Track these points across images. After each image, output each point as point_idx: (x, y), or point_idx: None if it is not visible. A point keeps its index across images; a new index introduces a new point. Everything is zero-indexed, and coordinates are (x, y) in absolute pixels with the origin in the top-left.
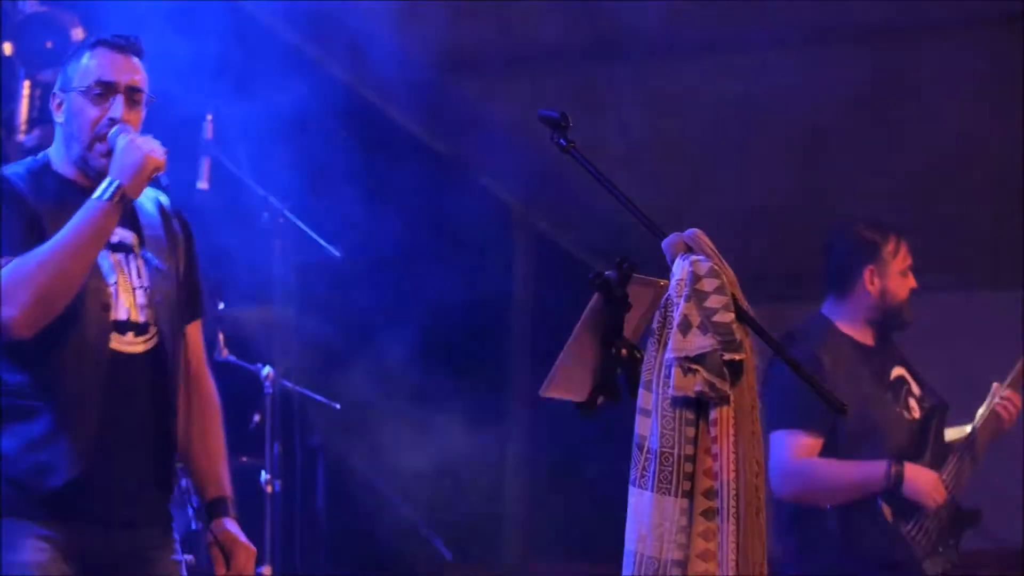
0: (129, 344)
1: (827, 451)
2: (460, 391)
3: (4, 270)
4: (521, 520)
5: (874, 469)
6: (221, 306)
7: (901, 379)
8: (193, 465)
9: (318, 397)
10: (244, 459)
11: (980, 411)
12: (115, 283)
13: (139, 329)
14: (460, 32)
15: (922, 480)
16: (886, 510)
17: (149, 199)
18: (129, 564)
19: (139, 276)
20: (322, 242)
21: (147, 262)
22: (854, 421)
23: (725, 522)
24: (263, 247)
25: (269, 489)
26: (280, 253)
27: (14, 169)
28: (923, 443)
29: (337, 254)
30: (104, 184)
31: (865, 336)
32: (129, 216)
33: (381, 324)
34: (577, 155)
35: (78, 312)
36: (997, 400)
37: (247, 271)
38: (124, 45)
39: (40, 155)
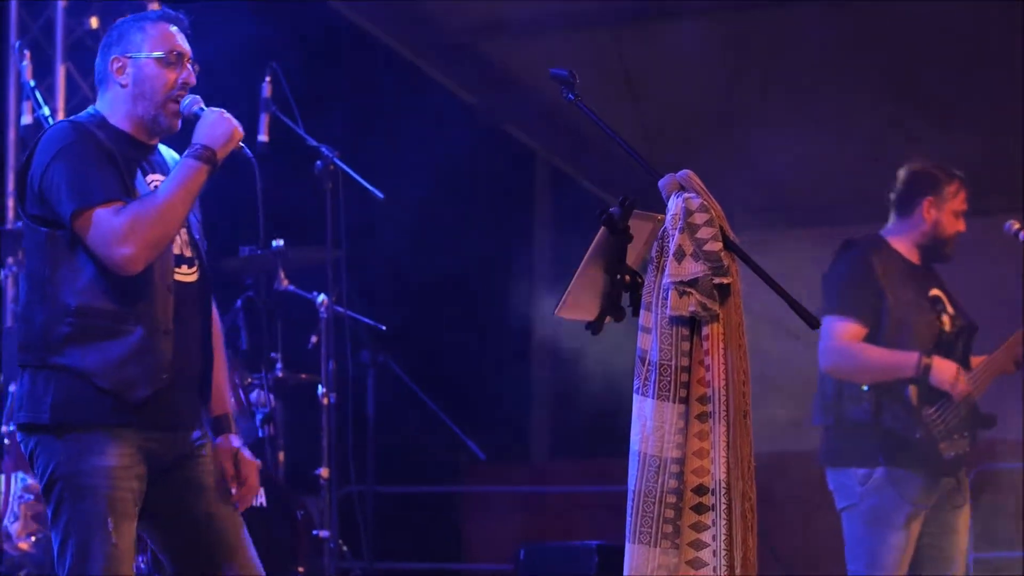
0: (184, 275)
1: (869, 341)
2: (486, 315)
3: (122, 214)
4: (546, 422)
5: (907, 356)
6: (281, 243)
7: (937, 298)
8: None
9: (366, 320)
10: (304, 376)
11: None
12: None
13: (189, 262)
14: None
15: (948, 371)
16: (913, 393)
17: (172, 157)
18: (184, 463)
19: (185, 225)
20: (368, 185)
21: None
22: (895, 319)
23: (717, 423)
24: (316, 192)
25: (325, 401)
26: (331, 196)
27: (84, 122)
28: (951, 353)
29: (380, 196)
30: (197, 147)
31: (912, 255)
32: (167, 168)
33: (418, 257)
34: (583, 107)
35: None
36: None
37: (303, 213)
38: (180, 20)
39: (91, 110)
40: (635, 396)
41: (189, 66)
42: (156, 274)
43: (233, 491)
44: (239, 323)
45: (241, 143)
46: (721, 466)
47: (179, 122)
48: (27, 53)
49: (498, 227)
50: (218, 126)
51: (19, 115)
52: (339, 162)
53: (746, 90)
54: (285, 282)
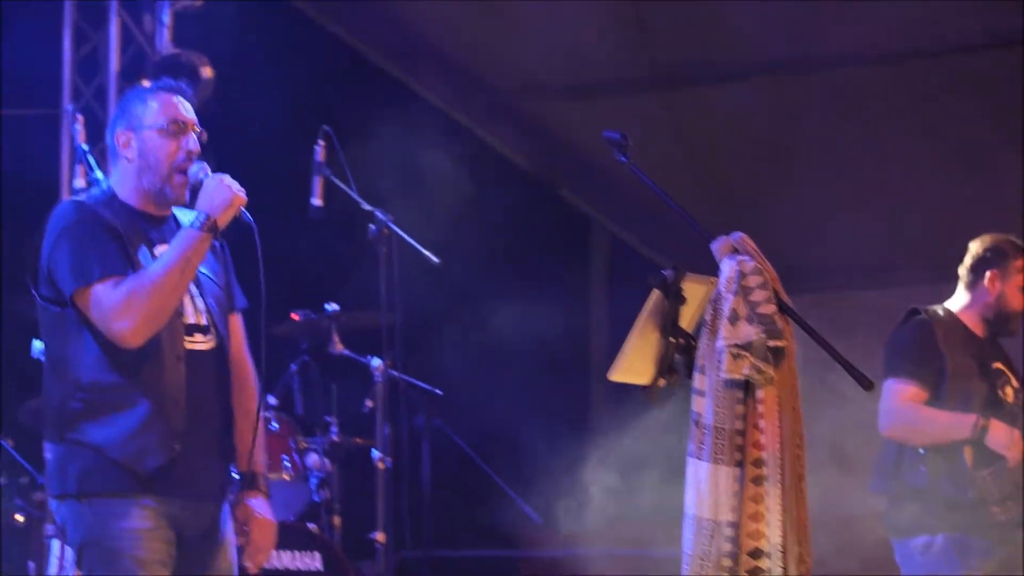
0: (198, 343)
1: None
2: (541, 379)
3: (118, 289)
4: (602, 490)
5: (964, 418)
6: (335, 307)
7: (1000, 371)
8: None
9: (422, 384)
10: (359, 440)
11: None
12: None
13: (203, 330)
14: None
15: (1004, 434)
16: (968, 456)
17: (190, 218)
18: (212, 532)
19: (196, 285)
20: (422, 250)
21: (200, 274)
22: (955, 387)
23: (772, 487)
24: (370, 255)
25: (381, 465)
26: (385, 260)
27: (90, 200)
28: (1013, 425)
29: (436, 260)
30: (196, 216)
31: (977, 327)
32: None
33: (471, 321)
34: (635, 169)
35: None
36: None
37: (357, 276)
38: (182, 90)
39: (103, 187)
40: (689, 459)
41: (193, 134)
42: (164, 345)
43: (244, 547)
44: (294, 387)
45: (242, 208)
46: (776, 530)
47: (187, 192)
48: (80, 118)
49: (553, 291)
50: (218, 193)
51: (72, 178)
52: (393, 226)
53: (803, 151)
54: (340, 346)
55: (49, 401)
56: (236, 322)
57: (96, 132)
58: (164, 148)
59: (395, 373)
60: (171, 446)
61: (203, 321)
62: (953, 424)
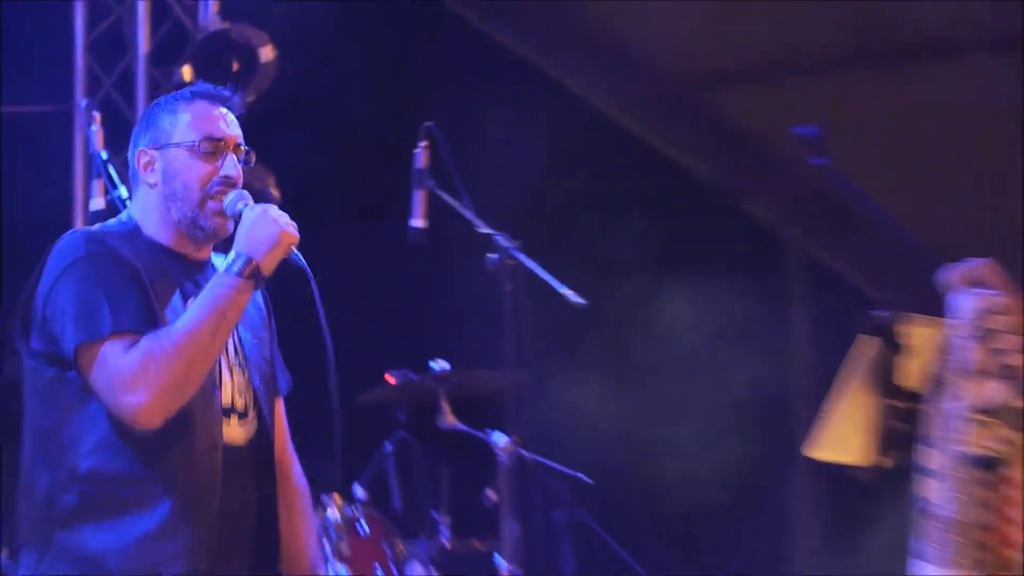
0: (233, 430)
1: None
2: (729, 446)
3: (133, 351)
4: None
5: None
6: (443, 366)
7: None
8: (282, 549)
9: (562, 468)
10: (477, 543)
11: None
12: (221, 361)
13: (241, 414)
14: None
15: None
16: None
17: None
18: None
19: (236, 352)
20: (562, 288)
21: (242, 338)
22: None
23: None
24: (490, 294)
25: None
26: (510, 301)
27: (106, 233)
28: None
29: (581, 302)
30: (234, 258)
31: None
32: None
33: (630, 376)
34: (837, 175)
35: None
36: None
37: (472, 324)
38: (226, 98)
39: (123, 217)
40: (913, 561)
41: (233, 156)
42: (195, 427)
43: None
44: (389, 474)
45: (294, 247)
46: None
47: (228, 224)
48: (97, 116)
49: (737, 330)
50: (261, 229)
51: (87, 197)
52: (521, 255)
53: None
54: (450, 417)
55: (33, 492)
56: (280, 409)
57: (119, 135)
58: (193, 171)
59: (526, 453)
60: (197, 565)
61: (240, 401)
62: None
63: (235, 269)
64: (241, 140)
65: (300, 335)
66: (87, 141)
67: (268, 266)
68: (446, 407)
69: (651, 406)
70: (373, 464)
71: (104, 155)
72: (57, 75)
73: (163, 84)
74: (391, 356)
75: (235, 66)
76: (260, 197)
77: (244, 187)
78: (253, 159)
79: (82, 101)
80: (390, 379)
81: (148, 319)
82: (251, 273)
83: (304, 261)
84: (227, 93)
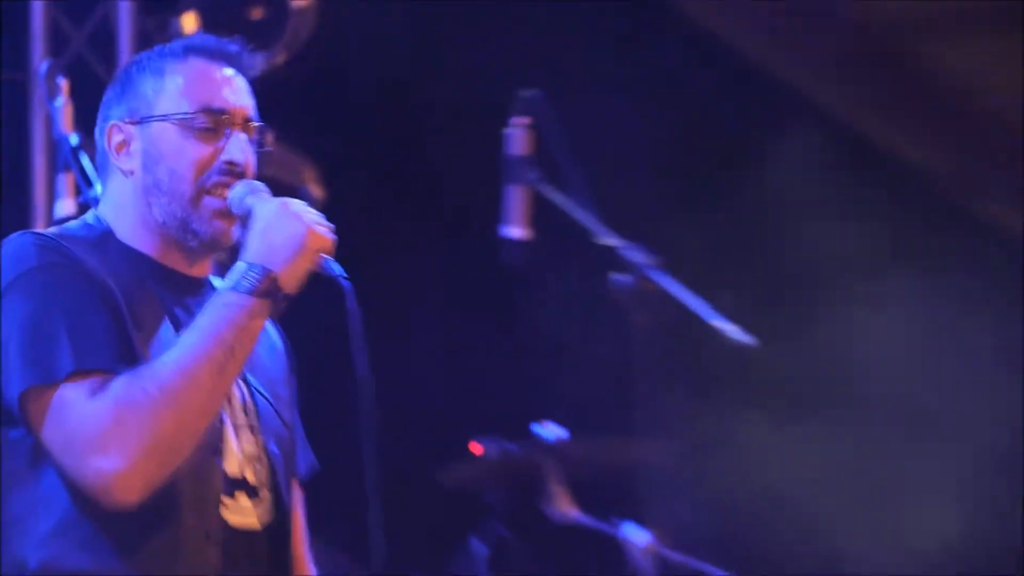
0: (242, 511)
1: None
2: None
3: (102, 396)
4: None
5: None
6: (554, 431)
7: None
8: None
9: (715, 572)
10: None
11: None
12: (225, 418)
13: (251, 490)
14: None
15: None
16: None
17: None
18: None
19: (245, 412)
20: (722, 324)
21: (254, 391)
22: None
23: None
24: (615, 329)
25: None
26: (646, 340)
27: (68, 238)
28: None
29: (747, 340)
30: (243, 271)
31: None
32: None
33: (815, 434)
34: None
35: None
36: None
37: (593, 373)
38: (231, 55)
39: (89, 219)
40: None
41: (242, 134)
42: (182, 507)
43: None
44: None
45: (324, 255)
46: None
47: (233, 228)
48: (64, 84)
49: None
50: (279, 228)
51: (52, 199)
52: (662, 276)
53: None
54: (565, 505)
55: None
56: (297, 495)
57: (95, 111)
58: (185, 154)
59: (672, 555)
60: None
61: (251, 474)
62: None
63: (245, 284)
64: (253, 113)
65: (331, 383)
66: (50, 121)
67: (290, 280)
68: (559, 490)
69: (866, 480)
70: (457, 566)
71: (74, 140)
72: (6, 30)
73: (155, 39)
74: (479, 417)
75: (257, 13)
76: (291, 196)
77: (261, 180)
78: (271, 140)
79: (42, 64)
80: (477, 449)
81: (123, 354)
82: (266, 290)
83: (342, 272)
84: (233, 48)
